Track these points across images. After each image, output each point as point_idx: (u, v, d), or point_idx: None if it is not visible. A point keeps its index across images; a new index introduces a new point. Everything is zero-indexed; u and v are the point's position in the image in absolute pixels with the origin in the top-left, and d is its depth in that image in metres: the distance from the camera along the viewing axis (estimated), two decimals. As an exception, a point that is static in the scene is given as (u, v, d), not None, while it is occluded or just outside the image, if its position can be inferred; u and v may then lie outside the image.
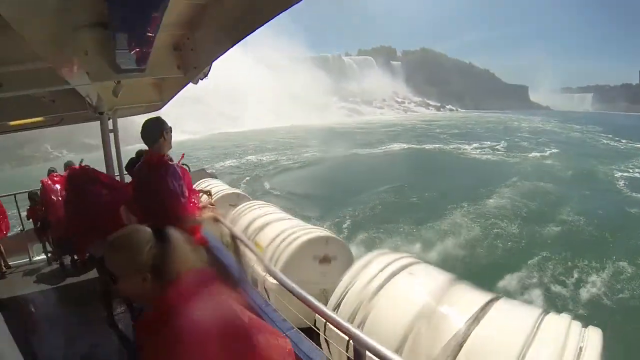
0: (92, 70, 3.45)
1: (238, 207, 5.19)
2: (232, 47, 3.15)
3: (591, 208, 18.41)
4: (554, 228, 16.18)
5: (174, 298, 1.42)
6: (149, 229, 1.55)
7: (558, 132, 56.20)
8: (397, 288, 2.68)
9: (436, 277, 2.71)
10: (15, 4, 1.92)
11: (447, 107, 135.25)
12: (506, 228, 16.36)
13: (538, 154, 35.29)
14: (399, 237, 15.80)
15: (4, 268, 7.06)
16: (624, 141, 43.50)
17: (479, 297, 2.70)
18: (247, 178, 28.04)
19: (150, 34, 2.90)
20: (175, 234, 1.58)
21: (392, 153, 38.96)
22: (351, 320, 2.74)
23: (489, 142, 42.82)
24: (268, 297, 3.88)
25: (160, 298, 1.44)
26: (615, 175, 26.35)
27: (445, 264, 12.60)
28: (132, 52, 3.21)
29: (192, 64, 3.99)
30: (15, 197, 8.02)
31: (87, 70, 3.42)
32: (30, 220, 7.43)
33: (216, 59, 3.86)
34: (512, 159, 33.13)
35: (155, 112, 6.76)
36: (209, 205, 4.17)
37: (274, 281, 3.56)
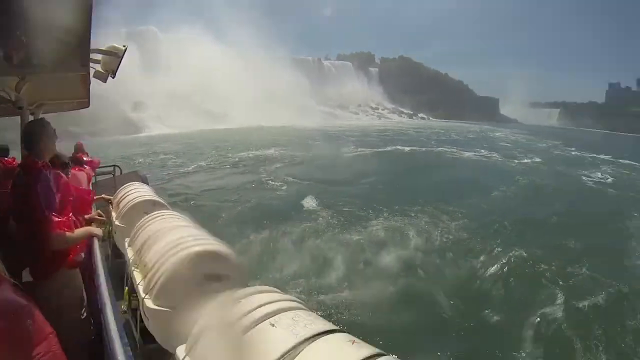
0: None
1: (143, 219, 4.58)
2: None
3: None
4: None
5: None
6: None
7: (538, 145, 59.13)
8: (251, 342, 2.16)
9: (298, 332, 2.13)
10: None
11: (419, 115, 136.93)
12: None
13: (527, 161, 38.98)
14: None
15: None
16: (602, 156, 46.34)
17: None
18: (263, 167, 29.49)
19: (20, 31, 2.81)
20: None
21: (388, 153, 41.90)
22: None
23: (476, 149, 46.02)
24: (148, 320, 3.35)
25: None
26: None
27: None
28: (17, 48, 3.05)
29: (87, 61, 3.85)
30: None
31: None
32: None
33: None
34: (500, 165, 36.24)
35: (85, 108, 6.71)
36: (97, 217, 4.15)
37: (152, 305, 3.18)
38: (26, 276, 2.98)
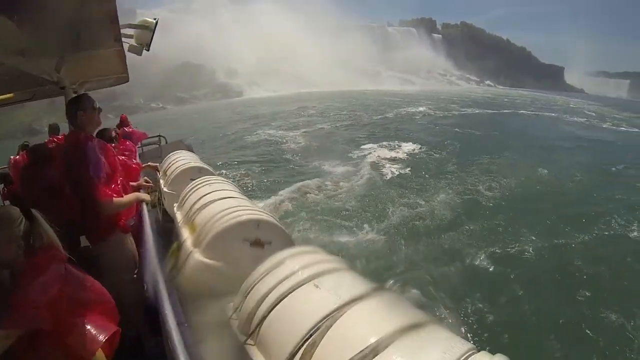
0: (27, 47, 3.26)
1: (191, 184, 4.63)
2: None
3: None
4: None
5: (39, 260, 1.83)
6: (17, 208, 1.90)
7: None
8: (294, 303, 2.18)
9: (342, 294, 2.09)
10: None
11: (486, 82, 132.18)
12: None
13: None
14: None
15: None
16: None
17: (390, 323, 1.81)
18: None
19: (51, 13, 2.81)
20: (39, 215, 1.95)
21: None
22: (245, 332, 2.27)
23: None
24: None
25: (28, 262, 1.81)
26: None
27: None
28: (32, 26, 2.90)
29: (119, 36, 3.99)
30: None
31: (22, 47, 3.23)
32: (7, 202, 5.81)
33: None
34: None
35: (124, 83, 6.85)
36: (145, 184, 4.28)
37: (200, 258, 3.22)
38: (84, 241, 3.38)
